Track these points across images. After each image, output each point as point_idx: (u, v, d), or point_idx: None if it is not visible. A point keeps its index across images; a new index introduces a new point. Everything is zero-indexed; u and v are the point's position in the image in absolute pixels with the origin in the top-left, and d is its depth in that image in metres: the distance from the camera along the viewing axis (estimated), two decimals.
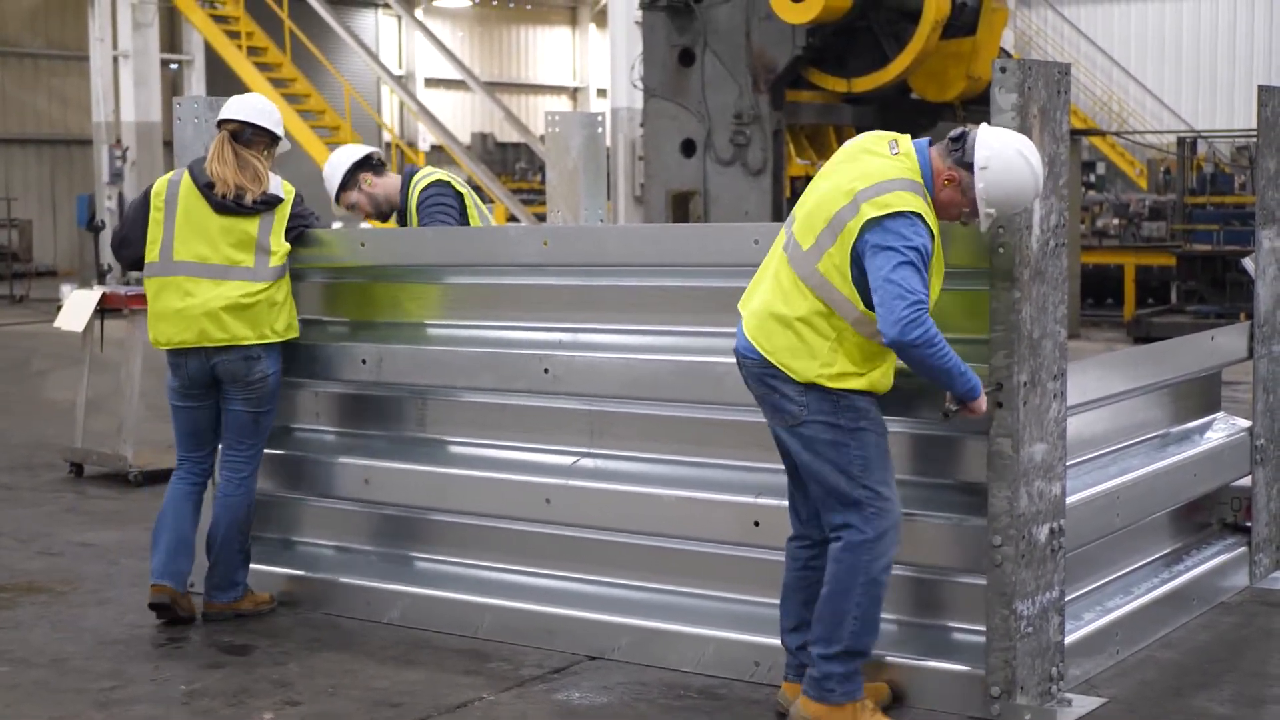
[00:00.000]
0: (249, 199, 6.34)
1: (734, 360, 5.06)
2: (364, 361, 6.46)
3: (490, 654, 5.94)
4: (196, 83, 30.99)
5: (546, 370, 6.01)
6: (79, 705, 5.44)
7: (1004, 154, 4.71)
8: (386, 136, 32.54)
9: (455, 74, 33.56)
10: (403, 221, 7.11)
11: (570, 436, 6.06)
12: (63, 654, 6.04)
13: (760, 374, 4.91)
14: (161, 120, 26.09)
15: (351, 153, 7.17)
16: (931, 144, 4.89)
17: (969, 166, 4.75)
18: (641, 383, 5.82)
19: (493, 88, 35.62)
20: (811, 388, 4.81)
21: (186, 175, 6.42)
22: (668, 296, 5.85)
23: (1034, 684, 5.10)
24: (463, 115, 39.19)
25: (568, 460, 6.05)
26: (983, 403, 4.84)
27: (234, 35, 25.35)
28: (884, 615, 5.40)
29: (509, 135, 35.73)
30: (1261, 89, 6.73)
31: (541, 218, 9.25)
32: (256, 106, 6.54)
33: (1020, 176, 4.73)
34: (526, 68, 43.11)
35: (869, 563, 4.83)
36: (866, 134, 4.97)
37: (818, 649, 4.89)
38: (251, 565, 6.57)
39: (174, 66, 31.26)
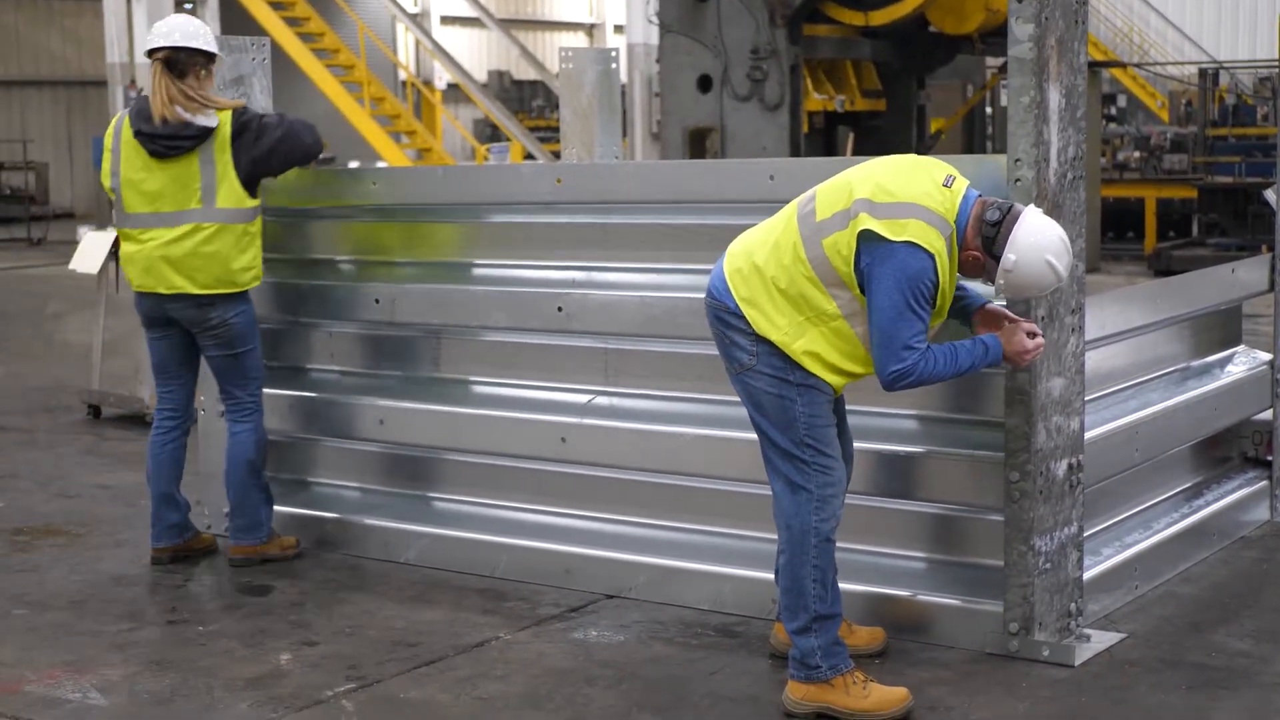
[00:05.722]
0: (175, 127, 6.03)
1: None
2: (377, 301, 6.44)
3: (508, 593, 5.93)
4: (211, 22, 30.70)
5: (561, 309, 5.98)
6: (96, 648, 5.45)
7: (1031, 260, 4.54)
8: (402, 75, 32.39)
9: (471, 11, 33.43)
10: None
11: (585, 375, 6.03)
12: (80, 596, 6.06)
13: (720, 314, 4.73)
14: None
15: None
16: (979, 198, 4.63)
17: (995, 258, 4.58)
18: (656, 320, 5.78)
19: (509, 25, 35.44)
20: (766, 341, 4.64)
21: (126, 120, 6.18)
22: (682, 233, 5.80)
23: (1052, 620, 5.08)
24: (479, 53, 39.02)
25: (583, 399, 6.03)
26: (1020, 346, 4.67)
27: None
28: (903, 551, 5.42)
29: (526, 73, 35.59)
30: None
31: (558, 156, 9.20)
32: (183, 29, 6.12)
33: (1043, 281, 4.61)
34: (543, 4, 42.86)
35: (819, 523, 4.66)
36: (933, 159, 4.71)
37: (788, 624, 4.74)
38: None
39: (188, 6, 31.08)
